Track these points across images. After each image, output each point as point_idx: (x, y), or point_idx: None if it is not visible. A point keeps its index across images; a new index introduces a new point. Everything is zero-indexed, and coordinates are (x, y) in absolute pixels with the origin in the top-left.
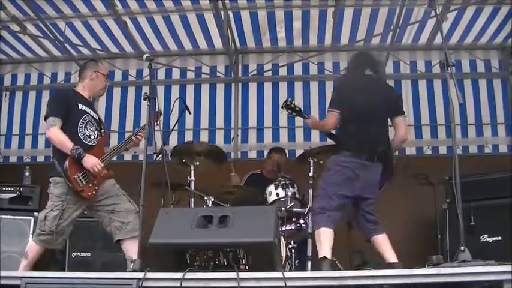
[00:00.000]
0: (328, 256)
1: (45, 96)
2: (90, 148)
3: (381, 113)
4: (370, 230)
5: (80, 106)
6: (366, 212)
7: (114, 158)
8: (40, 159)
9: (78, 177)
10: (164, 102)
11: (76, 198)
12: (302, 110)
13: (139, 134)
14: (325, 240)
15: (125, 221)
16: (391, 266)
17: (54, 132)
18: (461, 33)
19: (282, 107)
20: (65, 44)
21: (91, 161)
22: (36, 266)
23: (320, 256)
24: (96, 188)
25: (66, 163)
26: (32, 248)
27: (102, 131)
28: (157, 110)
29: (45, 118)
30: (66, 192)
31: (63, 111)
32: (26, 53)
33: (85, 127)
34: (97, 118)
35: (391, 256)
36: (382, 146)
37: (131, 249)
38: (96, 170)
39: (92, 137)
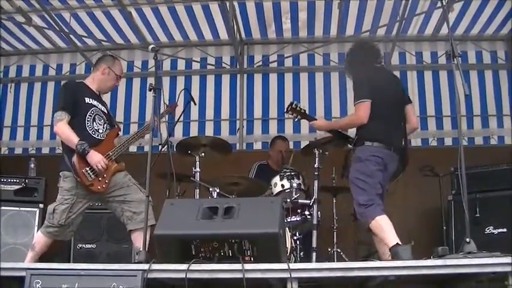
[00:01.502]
0: (399, 241)
1: (51, 87)
2: (99, 142)
3: (400, 103)
4: None
5: (87, 99)
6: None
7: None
8: (45, 150)
9: (87, 171)
10: (169, 93)
11: (86, 192)
12: (307, 112)
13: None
14: (387, 226)
15: (137, 211)
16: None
17: (61, 127)
18: (467, 24)
19: (287, 111)
20: (70, 35)
21: (95, 158)
22: (41, 257)
23: (392, 245)
24: (106, 181)
25: (74, 158)
26: (40, 239)
27: (113, 124)
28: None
29: (54, 112)
30: (76, 187)
31: (70, 105)
32: (31, 44)
33: (93, 120)
34: (105, 111)
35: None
36: (404, 137)
37: (141, 240)
38: (100, 167)
39: (101, 130)
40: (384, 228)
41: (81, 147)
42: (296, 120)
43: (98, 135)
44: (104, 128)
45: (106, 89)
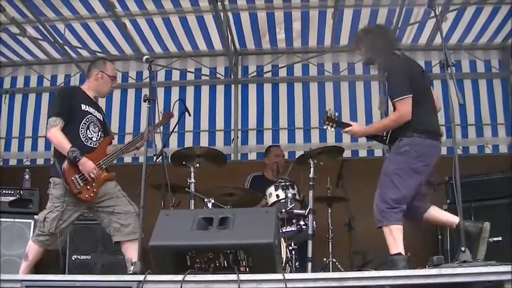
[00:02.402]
0: (403, 252)
1: (45, 98)
2: (91, 150)
3: (429, 89)
4: (422, 208)
5: (84, 106)
6: (423, 193)
7: (115, 161)
8: (40, 162)
9: (76, 179)
10: (164, 104)
11: (74, 200)
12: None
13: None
14: (398, 236)
15: (124, 223)
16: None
17: (54, 133)
18: (461, 33)
19: (324, 122)
20: (65, 46)
21: (86, 166)
22: (36, 269)
23: (394, 252)
24: (94, 190)
25: (64, 164)
26: (32, 248)
27: (108, 132)
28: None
29: (48, 117)
30: (65, 194)
31: (65, 111)
32: (26, 55)
33: (87, 128)
34: (101, 119)
35: (453, 217)
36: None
37: (131, 251)
38: (91, 175)
39: (94, 138)
40: (395, 238)
41: (73, 154)
42: (333, 130)
43: (90, 143)
44: (98, 136)
45: (103, 93)
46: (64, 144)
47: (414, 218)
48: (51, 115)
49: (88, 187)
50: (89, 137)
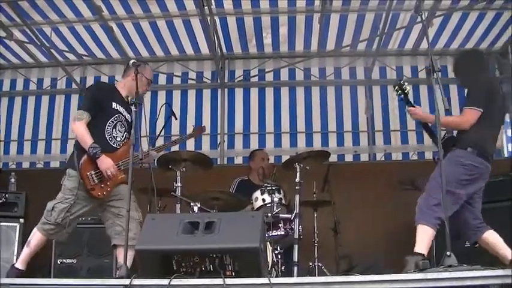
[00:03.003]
0: (425, 254)
1: (31, 102)
2: (114, 150)
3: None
4: (478, 228)
5: (114, 105)
6: (474, 207)
7: None
8: (26, 165)
9: (92, 174)
10: (151, 108)
11: (86, 195)
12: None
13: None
14: (429, 239)
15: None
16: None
17: (79, 126)
18: (447, 39)
19: (395, 86)
20: (51, 50)
21: (105, 164)
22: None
23: (420, 252)
24: (108, 189)
25: (83, 159)
26: (35, 236)
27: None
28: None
29: (78, 109)
30: (78, 187)
31: (95, 107)
32: (12, 58)
33: (114, 127)
34: (129, 120)
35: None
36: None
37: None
38: (109, 173)
39: (119, 138)
40: (426, 238)
41: (93, 150)
42: (399, 99)
43: (114, 143)
44: (122, 136)
45: (134, 95)
46: (86, 139)
47: (466, 236)
48: (80, 108)
49: (102, 185)
50: (114, 136)
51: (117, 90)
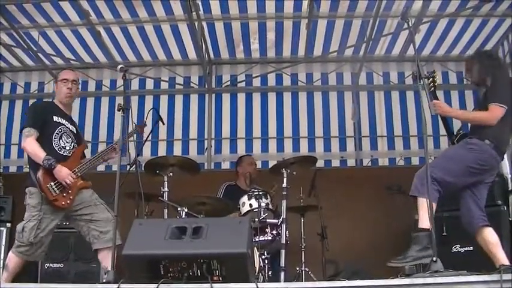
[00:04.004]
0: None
1: (18, 105)
2: (65, 159)
3: None
4: (481, 218)
5: (55, 118)
6: (479, 198)
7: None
8: (13, 169)
9: (51, 186)
10: (138, 113)
11: (51, 207)
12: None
13: (115, 149)
14: (426, 209)
15: (103, 230)
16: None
17: (29, 142)
18: (433, 45)
19: (429, 78)
20: (39, 54)
21: (62, 173)
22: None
23: (423, 226)
24: (71, 197)
25: (39, 173)
26: (12, 259)
27: (81, 143)
28: (144, 122)
29: (22, 129)
30: (41, 202)
31: (39, 122)
32: None
33: (60, 138)
34: (74, 130)
35: (503, 256)
36: None
37: (108, 260)
38: (67, 181)
39: (68, 147)
40: (424, 209)
41: (48, 162)
42: (431, 89)
43: (64, 152)
44: (71, 145)
45: (63, 99)
46: (39, 153)
47: (468, 224)
48: (25, 126)
49: (64, 194)
50: (62, 146)
51: (56, 105)
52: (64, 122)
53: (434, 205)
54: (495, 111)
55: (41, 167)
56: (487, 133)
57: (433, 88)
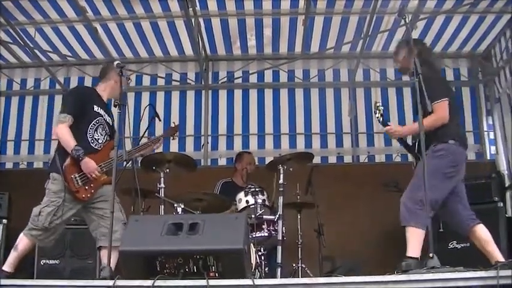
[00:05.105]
0: (419, 257)
1: (14, 102)
2: (95, 152)
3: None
4: (470, 218)
5: (96, 108)
6: (461, 197)
7: None
8: (9, 166)
9: (76, 177)
10: (134, 109)
11: (72, 197)
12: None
13: (155, 144)
14: (420, 239)
15: (113, 229)
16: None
17: (61, 129)
18: (430, 42)
19: (375, 112)
20: (35, 50)
21: (89, 166)
22: None
23: (412, 255)
24: (92, 191)
25: (66, 162)
26: (23, 241)
27: (113, 137)
28: (173, 125)
29: (60, 112)
30: (63, 190)
31: (77, 110)
32: None
33: (95, 130)
34: (110, 123)
35: (498, 253)
36: None
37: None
38: (92, 175)
39: (100, 141)
40: (417, 240)
41: (77, 152)
42: (379, 119)
43: (96, 145)
44: (104, 139)
45: (117, 96)
46: (70, 141)
47: (460, 228)
48: (62, 111)
49: (86, 187)
50: (96, 139)
51: (98, 94)
52: (103, 113)
53: (424, 232)
54: (440, 109)
55: (69, 155)
56: (445, 133)
57: (381, 118)
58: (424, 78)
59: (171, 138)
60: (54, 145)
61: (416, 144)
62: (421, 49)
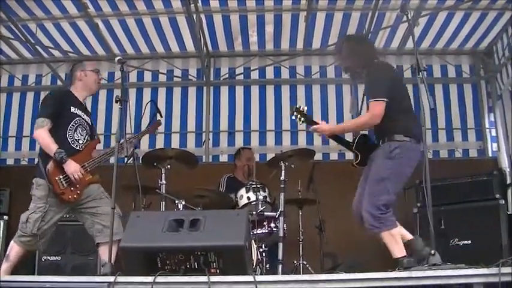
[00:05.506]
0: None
1: (16, 98)
2: (77, 152)
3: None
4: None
5: (73, 109)
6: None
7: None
8: (10, 162)
9: (60, 179)
10: (136, 105)
11: (58, 201)
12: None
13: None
14: (399, 239)
15: (107, 224)
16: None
17: (41, 133)
18: (432, 38)
19: (292, 113)
20: (36, 46)
21: (72, 168)
22: None
23: (400, 255)
24: (78, 192)
25: (49, 165)
26: (14, 249)
27: (94, 136)
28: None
29: (37, 117)
30: (48, 194)
31: (54, 113)
32: None
33: (75, 130)
34: (89, 122)
35: (407, 233)
36: None
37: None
38: (76, 176)
39: (81, 141)
40: (397, 241)
41: (59, 155)
42: (301, 123)
43: (77, 146)
44: (84, 139)
45: (93, 89)
46: (50, 145)
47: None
48: (40, 116)
49: (72, 188)
50: (76, 139)
51: (74, 95)
52: (80, 113)
53: (398, 230)
54: (375, 108)
55: (51, 158)
56: (399, 131)
57: (303, 118)
58: (366, 77)
59: (155, 134)
60: None
61: (356, 141)
62: (366, 47)
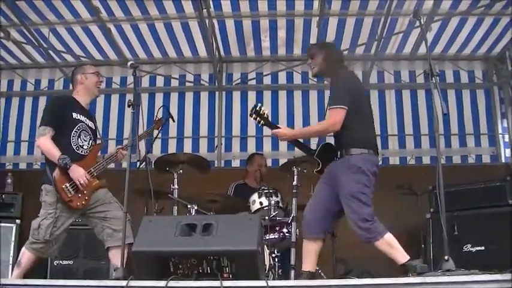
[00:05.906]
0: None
1: (28, 102)
2: (82, 158)
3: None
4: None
5: (75, 115)
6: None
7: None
8: (22, 166)
9: (67, 187)
10: (148, 110)
11: (67, 207)
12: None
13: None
14: (395, 243)
15: (117, 229)
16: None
17: (43, 141)
18: (445, 44)
19: (251, 114)
20: (49, 51)
21: (77, 173)
22: None
23: (404, 261)
24: (86, 198)
25: (55, 172)
26: (25, 256)
27: (98, 140)
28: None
29: (39, 126)
30: (57, 201)
31: (56, 120)
32: (9, 59)
33: (78, 136)
34: (93, 127)
35: None
36: None
37: (118, 257)
38: (81, 182)
39: (85, 146)
40: (394, 245)
41: (63, 161)
42: (260, 125)
43: (81, 151)
44: (88, 144)
45: (94, 92)
46: (53, 152)
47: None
48: (41, 124)
49: (79, 195)
50: (80, 145)
51: (75, 100)
52: (83, 118)
53: (390, 234)
54: (334, 116)
55: (57, 166)
56: (358, 144)
57: (263, 121)
58: (330, 84)
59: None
60: None
61: (318, 149)
62: (338, 54)
